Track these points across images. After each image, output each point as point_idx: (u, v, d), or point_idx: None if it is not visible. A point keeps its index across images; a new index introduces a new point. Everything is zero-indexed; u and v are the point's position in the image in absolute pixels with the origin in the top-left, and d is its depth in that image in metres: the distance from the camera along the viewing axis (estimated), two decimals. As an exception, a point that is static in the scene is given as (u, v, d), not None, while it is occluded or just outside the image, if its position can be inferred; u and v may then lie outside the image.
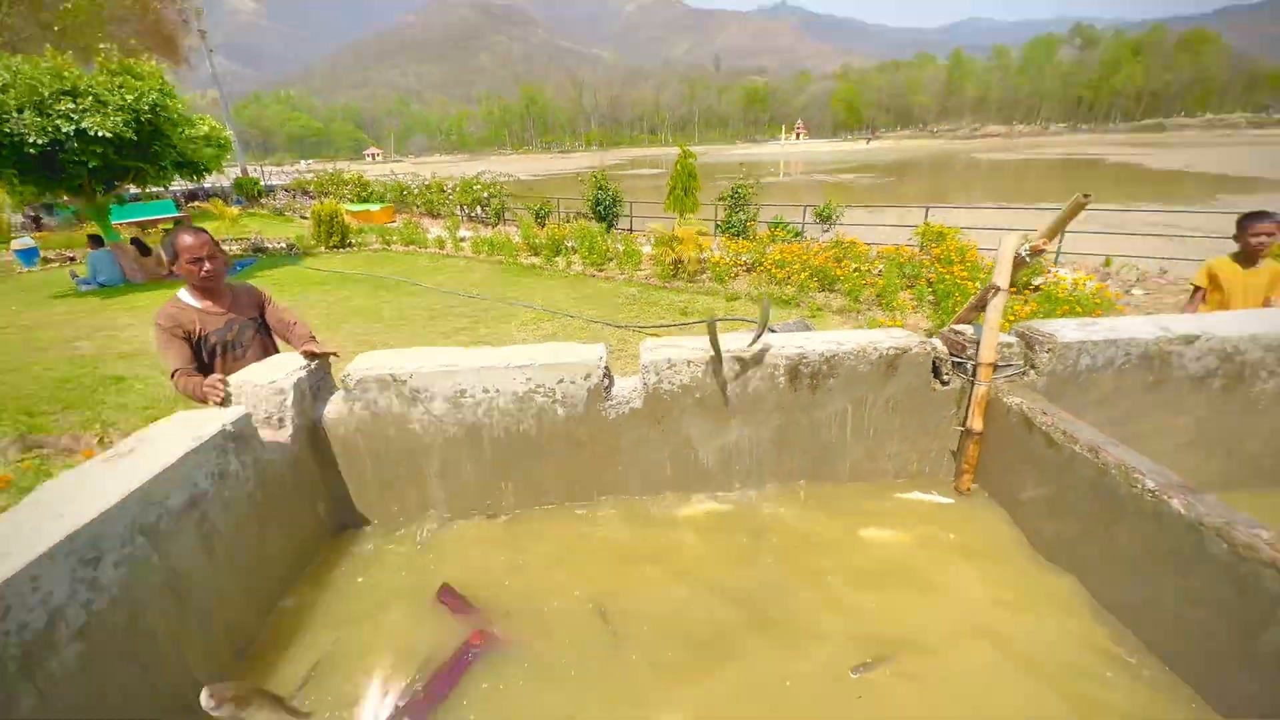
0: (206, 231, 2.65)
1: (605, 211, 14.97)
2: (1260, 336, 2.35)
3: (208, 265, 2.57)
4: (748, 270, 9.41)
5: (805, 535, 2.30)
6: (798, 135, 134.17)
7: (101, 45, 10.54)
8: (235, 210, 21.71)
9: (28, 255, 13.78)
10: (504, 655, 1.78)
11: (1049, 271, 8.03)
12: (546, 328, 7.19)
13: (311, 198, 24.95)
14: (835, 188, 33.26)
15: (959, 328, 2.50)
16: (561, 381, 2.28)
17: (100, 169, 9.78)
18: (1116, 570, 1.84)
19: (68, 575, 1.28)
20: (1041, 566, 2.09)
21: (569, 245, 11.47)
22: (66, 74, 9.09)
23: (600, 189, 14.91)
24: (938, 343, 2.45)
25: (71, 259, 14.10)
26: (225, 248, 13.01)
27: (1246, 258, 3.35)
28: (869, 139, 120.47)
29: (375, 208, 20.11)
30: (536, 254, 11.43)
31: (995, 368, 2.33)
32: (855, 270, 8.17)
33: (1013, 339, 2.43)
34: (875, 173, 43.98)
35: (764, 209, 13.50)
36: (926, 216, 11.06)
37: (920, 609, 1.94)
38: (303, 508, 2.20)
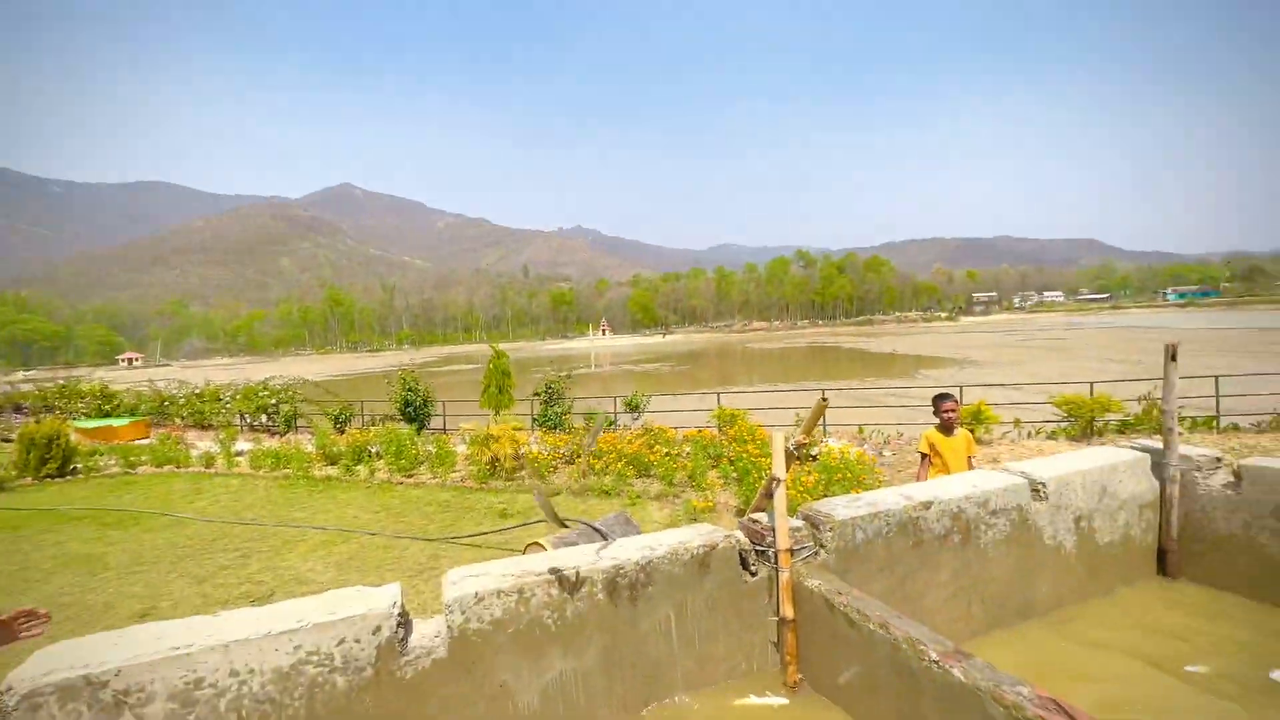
0: None
1: (415, 412, 14.34)
2: (972, 496, 2.92)
3: None
4: (567, 463, 9.44)
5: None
6: (603, 332, 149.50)
7: None
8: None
9: None
10: None
11: (822, 442, 9.40)
12: (341, 550, 6.17)
13: (25, 415, 20.09)
14: (641, 377, 36.70)
15: (756, 516, 2.70)
16: (342, 642, 1.90)
17: None
18: (933, 750, 1.89)
19: None
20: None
21: (373, 451, 10.53)
22: None
23: (410, 389, 14.43)
24: (740, 535, 2.59)
25: None
26: None
27: (945, 428, 4.29)
28: (664, 333, 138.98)
29: (122, 422, 16.76)
30: (334, 464, 10.24)
31: (792, 552, 2.51)
32: (666, 454, 8.68)
33: (800, 523, 2.68)
34: (673, 361, 49.94)
35: (579, 401, 14.14)
36: (719, 402, 12.54)
37: None
38: None
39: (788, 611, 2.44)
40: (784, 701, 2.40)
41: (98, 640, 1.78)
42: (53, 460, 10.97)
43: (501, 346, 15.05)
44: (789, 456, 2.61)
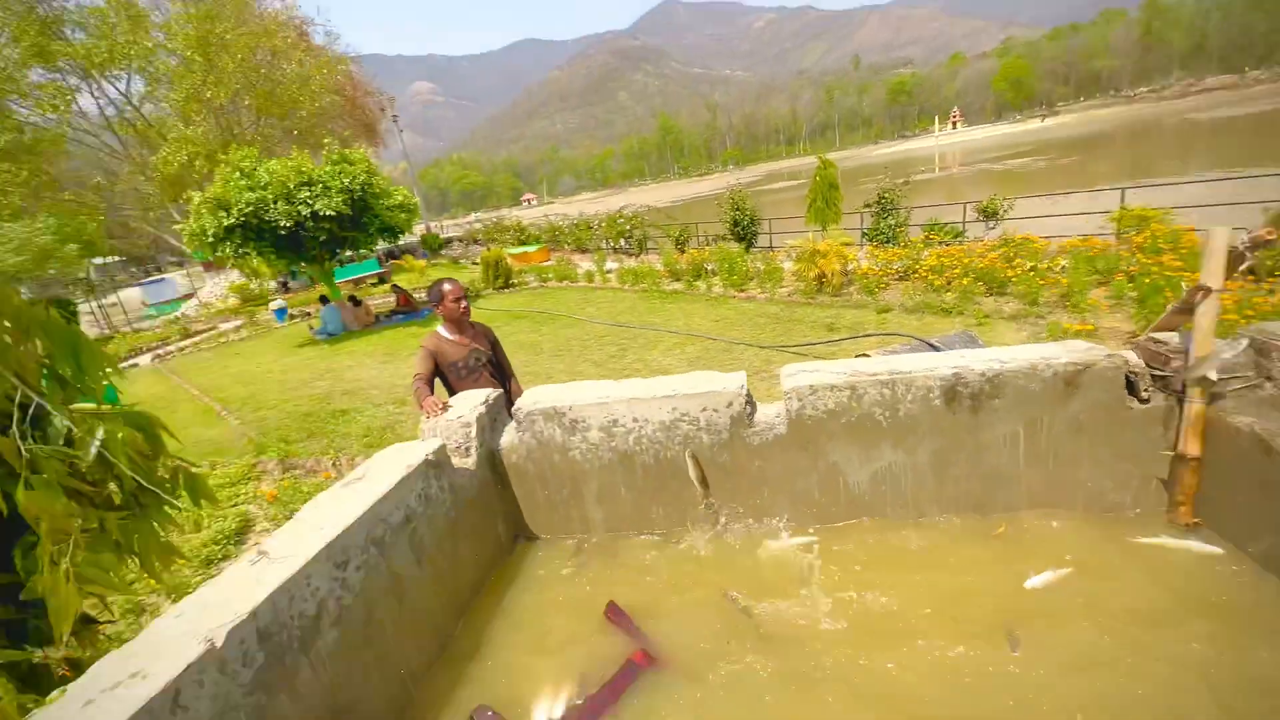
0: (458, 281, 3.20)
1: (744, 231, 14.96)
2: None
3: (464, 303, 3.16)
4: (900, 279, 8.79)
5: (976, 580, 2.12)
6: (953, 124, 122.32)
7: (325, 140, 13.07)
8: (422, 263, 25.31)
9: (280, 313, 17.38)
10: (662, 679, 1.89)
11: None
12: (690, 350, 7.36)
13: (480, 245, 28.20)
14: (1003, 177, 29.69)
15: (1160, 336, 2.17)
16: (705, 410, 2.38)
17: (327, 241, 12.08)
18: None
19: (327, 576, 1.65)
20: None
21: (709, 268, 11.63)
22: (304, 168, 11.46)
23: (737, 209, 14.96)
24: (1131, 355, 2.14)
25: (308, 314, 17.45)
26: (417, 295, 15.16)
27: None
28: (1044, 116, 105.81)
29: (532, 249, 22.18)
30: (678, 279, 11.77)
31: (1213, 381, 1.98)
32: (1031, 269, 7.24)
33: (1239, 346, 2.04)
34: (1054, 153, 38.50)
35: (916, 211, 12.54)
36: (1124, 199, 9.47)
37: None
38: (486, 524, 2.53)
39: (1192, 449, 2.01)
40: (1176, 542, 2.07)
41: (557, 388, 2.65)
42: (500, 277, 15.41)
43: (828, 156, 13.98)
44: (1235, 260, 1.93)
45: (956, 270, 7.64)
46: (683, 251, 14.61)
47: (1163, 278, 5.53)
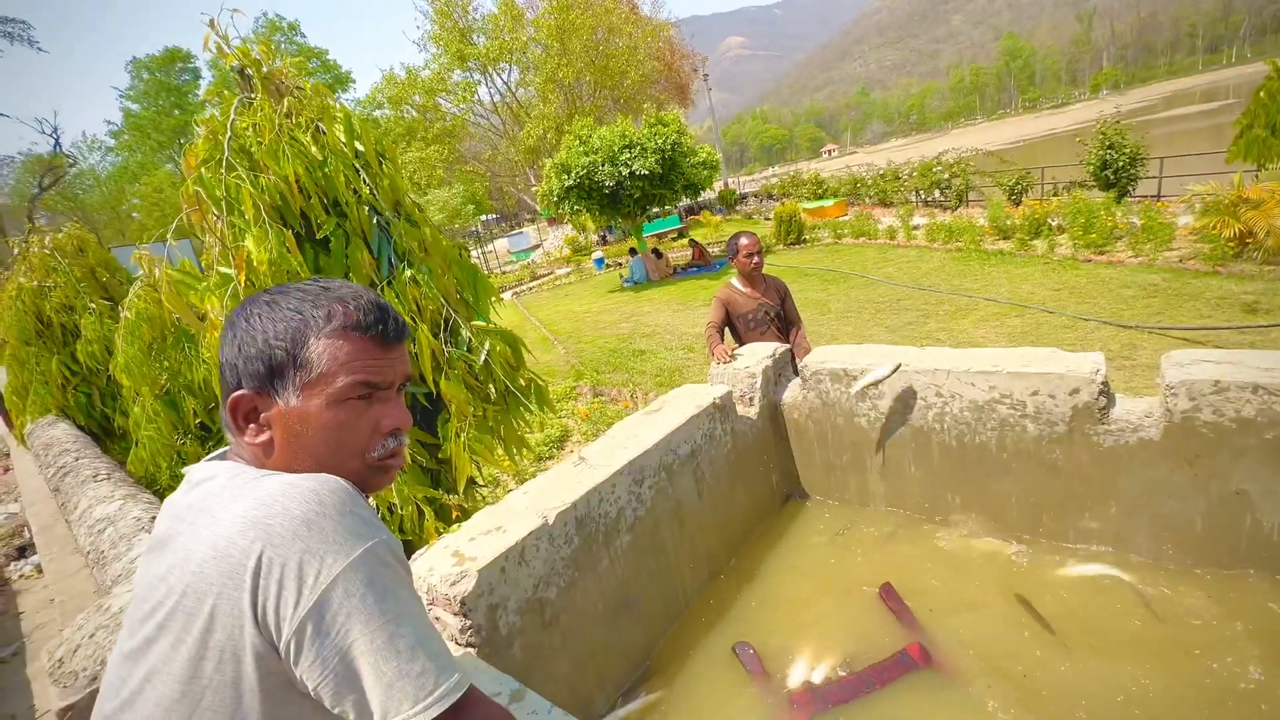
0: (756, 235, 3.34)
1: (1116, 175, 11.51)
2: None
3: (756, 259, 3.24)
4: None
5: None
6: None
7: (645, 105, 14.41)
8: (718, 218, 26.40)
9: (599, 263, 20.36)
10: (936, 682, 1.70)
11: None
12: (1013, 323, 6.13)
13: (775, 200, 27.99)
14: None
15: None
16: (1035, 394, 1.96)
17: (640, 198, 13.50)
18: None
19: (626, 488, 1.90)
20: None
21: (1053, 224, 9.37)
22: (626, 132, 12.88)
23: (1109, 145, 11.54)
24: None
25: (620, 264, 20.01)
26: (711, 250, 15.97)
27: None
28: None
29: (829, 203, 21.05)
30: (1007, 238, 9.79)
31: None
32: None
33: None
34: None
35: None
36: None
37: None
38: (762, 473, 2.59)
39: None
40: None
41: (849, 349, 2.51)
42: (792, 233, 15.10)
43: (1287, 60, 9.61)
44: None
45: None
46: (1018, 204, 12.08)
47: None
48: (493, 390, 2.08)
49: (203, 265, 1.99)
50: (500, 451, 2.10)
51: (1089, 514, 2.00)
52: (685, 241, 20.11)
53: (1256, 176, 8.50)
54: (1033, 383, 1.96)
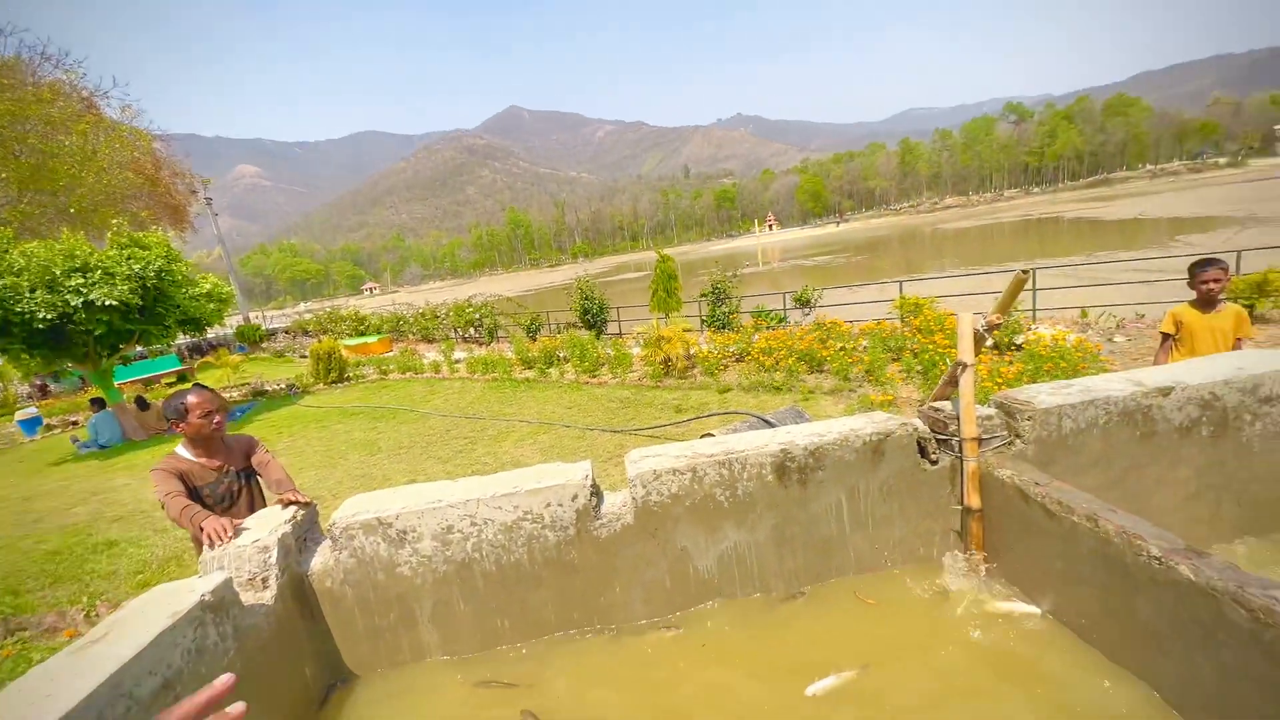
0: (208, 388, 2.74)
1: (593, 319, 15.46)
2: (1233, 381, 2.38)
3: (217, 418, 2.68)
4: (737, 360, 9.57)
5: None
6: (770, 227, 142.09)
7: (114, 220, 11.34)
8: (238, 357, 22.31)
9: (29, 425, 13.95)
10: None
11: (1029, 329, 8.20)
12: (543, 439, 7.17)
13: (311, 337, 25.75)
14: (812, 271, 34.64)
15: (938, 405, 2.53)
16: (549, 505, 2.26)
17: (106, 335, 10.17)
18: (1144, 645, 1.73)
19: (23, 791, 1.20)
20: (1068, 641, 1.96)
21: (561, 356, 11.71)
22: (78, 252, 9.72)
23: (587, 298, 15.50)
24: (919, 423, 2.46)
25: (74, 423, 14.25)
26: (226, 395, 13.20)
27: (1203, 302, 3.46)
28: (839, 222, 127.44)
29: (372, 339, 20.73)
30: (530, 367, 11.65)
31: (980, 441, 2.33)
32: (840, 349, 8.32)
33: (992, 410, 2.45)
34: (849, 252, 46.05)
35: (746, 300, 13.98)
36: (902, 290, 11.45)
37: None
38: (289, 670, 2.08)
39: (973, 501, 2.31)
40: (968, 586, 2.33)
41: (382, 495, 2.36)
42: (333, 371, 14.06)
43: (667, 251, 15.25)
44: (978, 340, 2.35)
45: (782, 351, 8.50)
46: (534, 340, 14.61)
47: (937, 354, 6.65)
48: None
49: None
50: None
51: (602, 597, 2.37)
52: (190, 386, 16.05)
53: (665, 321, 12.71)
54: (545, 496, 2.26)
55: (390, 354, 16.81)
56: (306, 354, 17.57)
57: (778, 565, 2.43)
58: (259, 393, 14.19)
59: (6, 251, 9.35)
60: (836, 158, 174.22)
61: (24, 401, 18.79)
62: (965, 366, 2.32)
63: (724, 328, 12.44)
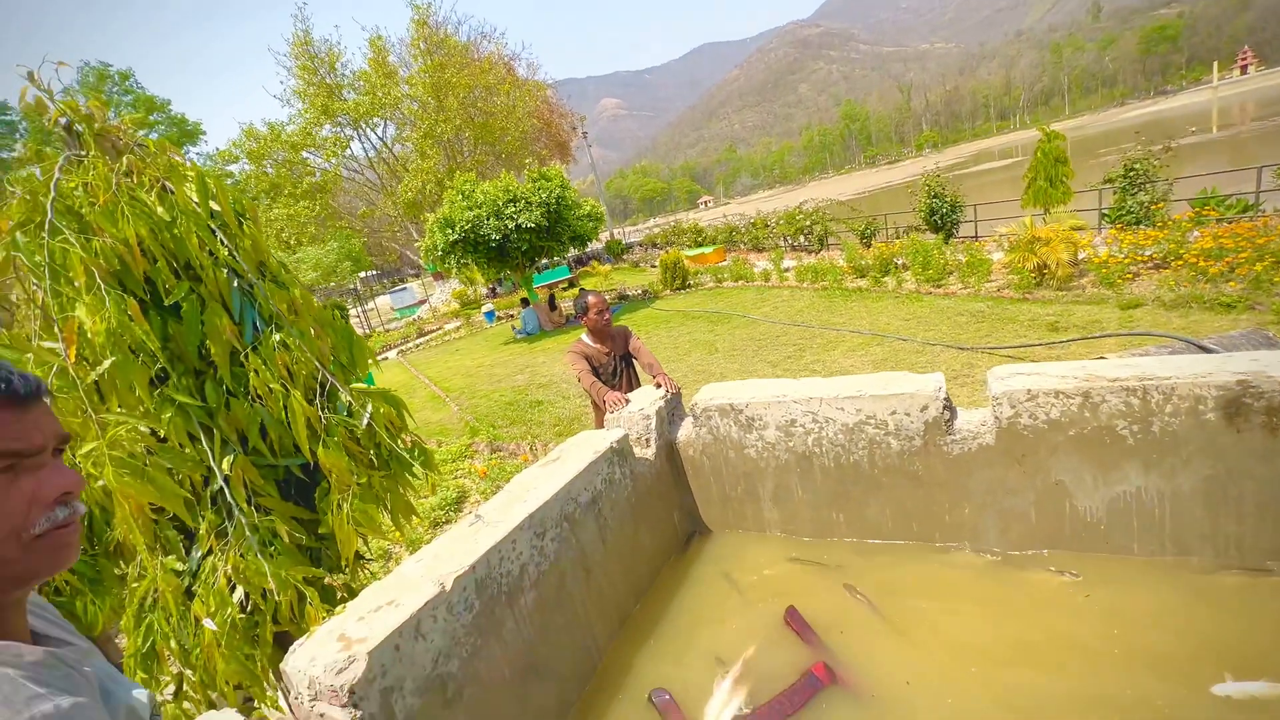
0: (597, 292, 3.52)
1: (942, 220, 13.43)
2: None
3: (608, 315, 3.51)
4: (1155, 268, 7.16)
5: None
6: (1242, 69, 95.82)
7: (526, 161, 14.69)
8: (607, 268, 27.10)
9: (489, 315, 19.99)
10: (843, 698, 1.79)
11: None
12: (875, 351, 6.83)
13: (659, 249, 29.30)
14: (1325, 129, 22.52)
15: None
16: (894, 413, 2.20)
17: (528, 250, 13.59)
18: None
19: (528, 542, 1.86)
20: None
21: (898, 263, 10.68)
22: (510, 187, 13.02)
23: (934, 195, 13.48)
24: None
25: (511, 316, 19.77)
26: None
27: None
28: (1400, 41, 77.55)
29: (708, 250, 22.42)
30: (863, 276, 10.98)
31: None
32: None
33: None
34: None
35: (1183, 183, 10.11)
36: None
37: None
38: (664, 513, 2.64)
39: None
40: None
41: (732, 385, 2.66)
42: (677, 279, 15.85)
43: (1054, 127, 11.92)
44: None
45: (1245, 253, 6.01)
46: (868, 246, 13.61)
47: None
48: (375, 457, 1.96)
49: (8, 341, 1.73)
50: (388, 522, 1.97)
51: (948, 515, 2.24)
52: (576, 291, 20.32)
53: (1043, 219, 10.25)
54: (891, 403, 2.20)
55: (724, 263, 17.97)
56: (656, 264, 20.13)
57: (1209, 527, 1.89)
58: (622, 296, 17.07)
59: (473, 191, 13.09)
60: None
61: (484, 300, 26.76)
62: None
63: (1138, 223, 9.34)
